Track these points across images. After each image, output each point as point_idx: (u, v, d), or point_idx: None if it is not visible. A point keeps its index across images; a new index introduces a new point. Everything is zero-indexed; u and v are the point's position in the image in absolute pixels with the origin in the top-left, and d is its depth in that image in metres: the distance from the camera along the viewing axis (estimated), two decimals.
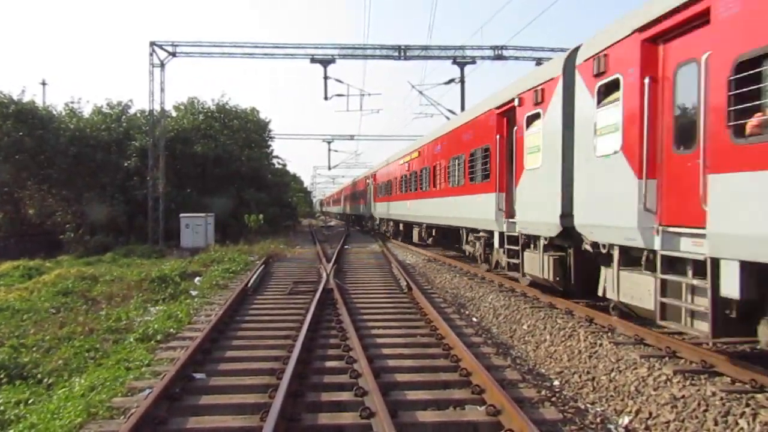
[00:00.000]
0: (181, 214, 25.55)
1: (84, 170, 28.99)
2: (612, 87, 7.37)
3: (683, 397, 5.51)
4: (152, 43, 26.45)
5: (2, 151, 27.07)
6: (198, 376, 6.24)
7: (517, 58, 26.34)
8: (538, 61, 24.81)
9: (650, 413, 5.40)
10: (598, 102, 7.68)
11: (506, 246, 11.47)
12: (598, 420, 5.43)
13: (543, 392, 6.01)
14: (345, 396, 5.63)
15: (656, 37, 6.53)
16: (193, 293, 12.66)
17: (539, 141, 9.74)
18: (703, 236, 5.61)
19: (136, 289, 12.95)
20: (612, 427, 5.33)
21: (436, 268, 16.77)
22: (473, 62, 27.11)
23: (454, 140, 15.44)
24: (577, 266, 9.28)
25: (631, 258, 7.29)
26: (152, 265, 17.91)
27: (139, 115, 32.84)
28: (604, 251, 7.78)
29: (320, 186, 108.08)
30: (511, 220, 11.25)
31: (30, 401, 6.08)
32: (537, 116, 9.85)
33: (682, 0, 5.94)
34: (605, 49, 7.49)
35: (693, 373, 6.10)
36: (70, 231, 27.35)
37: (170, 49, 26.51)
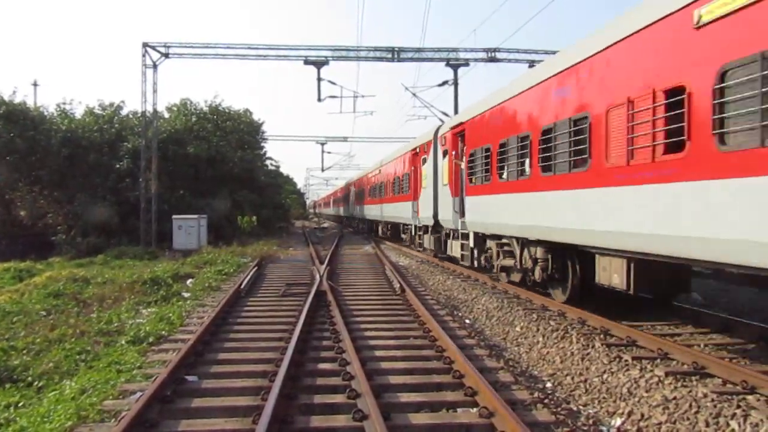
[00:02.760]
0: (174, 216, 25.41)
1: (76, 171, 28.83)
2: None
3: (675, 398, 5.53)
4: (145, 44, 26.37)
5: None
6: (190, 378, 6.22)
7: (510, 60, 26.48)
8: (531, 64, 24.93)
9: (642, 415, 5.42)
10: None
11: None
12: (591, 422, 5.44)
13: (536, 394, 6.01)
14: (338, 398, 5.62)
15: None
16: (186, 295, 12.61)
17: None
18: None
19: (128, 291, 12.86)
20: (604, 428, 5.34)
21: (429, 270, 16.77)
22: (466, 64, 27.23)
23: None
24: None
25: None
26: (144, 266, 17.82)
27: (131, 116, 32.71)
28: None
29: (313, 188, 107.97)
30: None
31: (20, 404, 6.03)
32: None
33: None
34: None
35: (685, 374, 6.14)
36: (61, 232, 27.18)
37: (163, 50, 26.45)
